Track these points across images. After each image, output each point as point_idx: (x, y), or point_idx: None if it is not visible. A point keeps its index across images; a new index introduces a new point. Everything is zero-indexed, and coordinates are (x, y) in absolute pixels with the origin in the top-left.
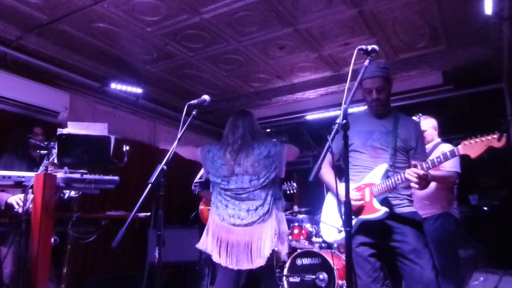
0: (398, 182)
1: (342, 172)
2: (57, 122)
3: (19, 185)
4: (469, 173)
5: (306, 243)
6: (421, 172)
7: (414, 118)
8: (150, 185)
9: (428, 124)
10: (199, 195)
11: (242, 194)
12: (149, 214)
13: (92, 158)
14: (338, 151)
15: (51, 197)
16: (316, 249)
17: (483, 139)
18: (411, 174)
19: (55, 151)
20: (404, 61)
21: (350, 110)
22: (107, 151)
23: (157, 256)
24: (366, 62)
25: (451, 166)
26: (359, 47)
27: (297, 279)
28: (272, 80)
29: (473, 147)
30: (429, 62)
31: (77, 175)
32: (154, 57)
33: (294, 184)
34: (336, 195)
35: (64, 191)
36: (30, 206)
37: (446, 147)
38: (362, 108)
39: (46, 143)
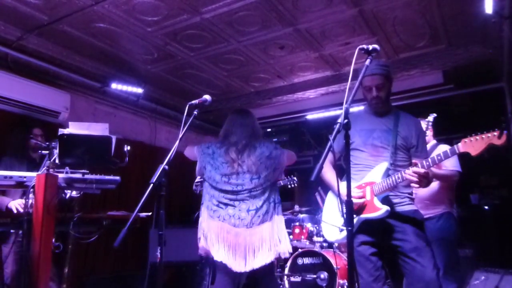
0: (399, 180)
1: (342, 171)
2: (58, 122)
3: (21, 185)
4: (469, 172)
5: (307, 243)
6: (422, 171)
7: (429, 118)
8: (151, 185)
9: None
10: (200, 194)
11: (242, 193)
12: (150, 214)
13: (94, 158)
14: (339, 150)
15: (53, 197)
16: (317, 248)
17: (483, 136)
18: (411, 174)
19: (56, 151)
20: (404, 60)
21: (351, 110)
22: (108, 151)
23: (159, 256)
24: (367, 62)
25: (453, 165)
26: (360, 46)
27: (298, 279)
28: (273, 80)
29: (474, 144)
30: (430, 61)
31: (79, 175)
32: (154, 57)
33: (295, 178)
34: (338, 194)
35: (66, 191)
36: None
37: (446, 147)
38: (363, 107)
39: (47, 143)
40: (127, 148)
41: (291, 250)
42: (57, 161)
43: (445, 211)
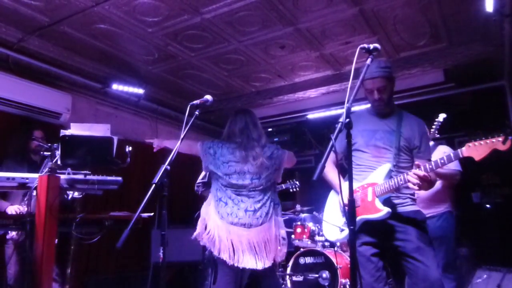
0: (401, 182)
1: (345, 171)
2: (59, 124)
3: (23, 187)
4: (471, 170)
5: (309, 242)
6: (421, 173)
7: (439, 117)
8: (153, 185)
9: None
10: (202, 195)
11: (242, 192)
12: (152, 214)
13: (95, 159)
14: (341, 150)
15: (55, 198)
16: (319, 248)
17: (487, 141)
18: (412, 176)
19: (58, 153)
20: (405, 59)
21: (352, 109)
22: (110, 152)
23: (161, 256)
24: (368, 61)
25: (454, 165)
26: (361, 45)
27: (300, 278)
28: (273, 80)
29: (477, 149)
30: (430, 60)
31: (81, 176)
32: (155, 58)
33: (297, 183)
34: (340, 193)
35: (68, 192)
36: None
37: (446, 149)
38: (364, 106)
39: (49, 144)
40: (128, 148)
41: (285, 255)
42: (59, 162)
43: (446, 210)
